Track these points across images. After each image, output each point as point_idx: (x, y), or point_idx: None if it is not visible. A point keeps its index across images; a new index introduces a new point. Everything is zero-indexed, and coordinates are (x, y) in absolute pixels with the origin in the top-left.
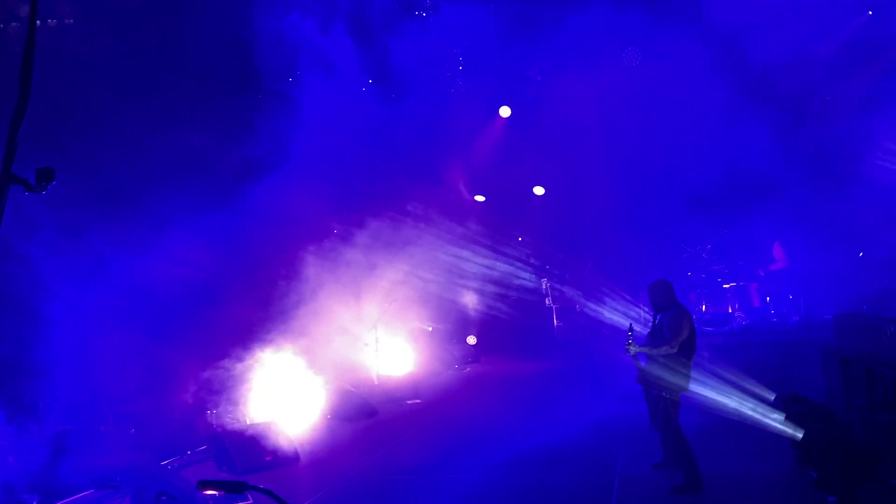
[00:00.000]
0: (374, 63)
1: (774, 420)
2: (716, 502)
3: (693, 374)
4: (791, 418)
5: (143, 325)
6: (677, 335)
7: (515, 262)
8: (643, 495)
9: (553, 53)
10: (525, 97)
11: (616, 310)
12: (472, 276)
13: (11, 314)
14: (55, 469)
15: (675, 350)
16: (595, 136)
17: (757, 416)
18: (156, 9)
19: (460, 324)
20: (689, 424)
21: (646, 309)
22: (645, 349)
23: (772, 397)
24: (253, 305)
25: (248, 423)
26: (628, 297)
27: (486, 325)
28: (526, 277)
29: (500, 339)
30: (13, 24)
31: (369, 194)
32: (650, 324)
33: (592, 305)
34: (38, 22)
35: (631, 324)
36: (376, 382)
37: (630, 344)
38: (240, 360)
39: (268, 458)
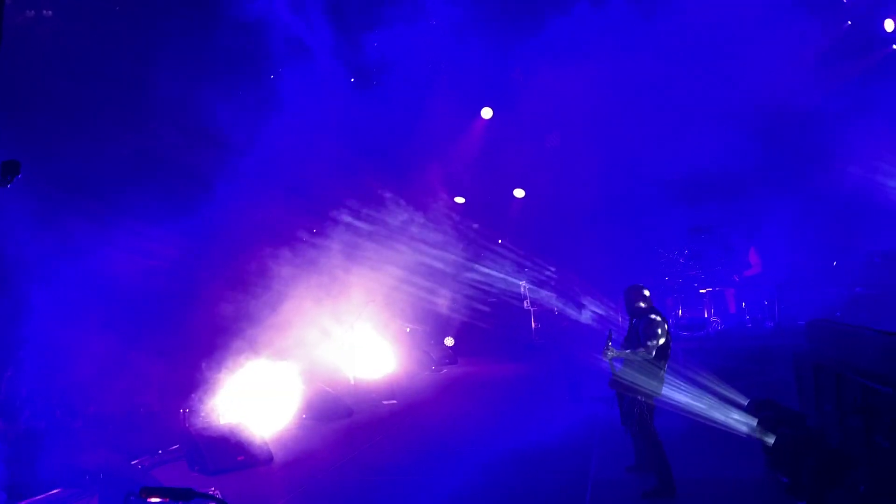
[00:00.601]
0: (353, 60)
1: (747, 425)
2: None
3: (668, 378)
4: (763, 423)
5: (116, 324)
6: (653, 340)
7: (494, 265)
8: (616, 498)
9: (535, 57)
10: (507, 99)
11: (594, 313)
12: (450, 277)
13: None
14: (23, 467)
15: (651, 355)
16: (575, 140)
17: (730, 420)
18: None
19: (438, 325)
20: (663, 428)
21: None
22: (622, 353)
23: (745, 402)
24: (227, 304)
25: (220, 422)
26: (606, 301)
27: (464, 327)
28: (504, 280)
29: (477, 341)
30: None
31: (346, 193)
32: (626, 328)
33: (570, 309)
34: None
35: (611, 330)
36: (352, 383)
37: (608, 349)
38: (213, 359)
39: (240, 458)
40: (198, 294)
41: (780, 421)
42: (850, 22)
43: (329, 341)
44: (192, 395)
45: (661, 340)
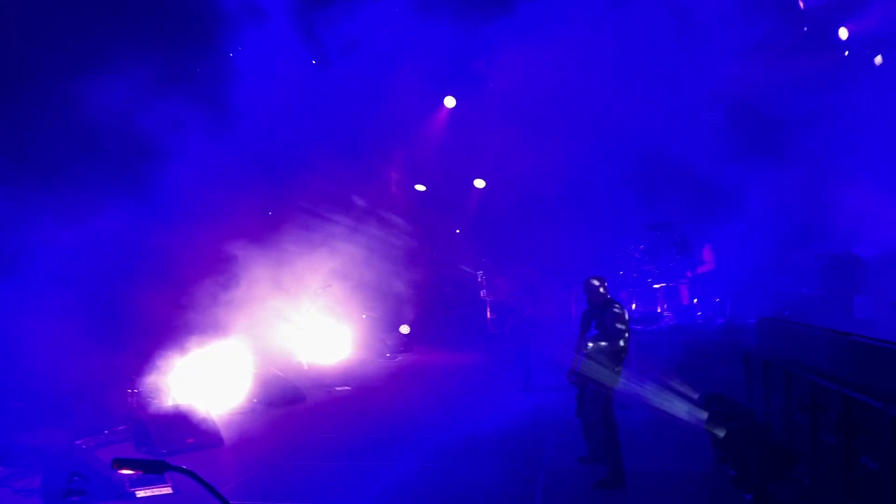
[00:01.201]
0: (313, 40)
1: (697, 419)
2: (637, 497)
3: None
4: (713, 417)
5: (60, 303)
6: (623, 331)
7: (452, 254)
8: (568, 488)
9: (498, 47)
10: (471, 89)
11: (550, 304)
12: (407, 265)
13: None
14: None
15: (621, 345)
16: (536, 132)
17: (681, 414)
18: None
19: (394, 313)
20: (616, 420)
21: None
22: (598, 346)
23: (695, 396)
24: (178, 285)
25: (170, 403)
26: (562, 293)
27: (420, 315)
28: (462, 269)
29: (433, 329)
30: None
31: (303, 179)
32: (579, 319)
33: (527, 299)
34: None
35: (580, 317)
36: (306, 368)
37: (583, 340)
38: (163, 339)
39: (190, 441)
40: (147, 274)
41: (729, 415)
42: (805, 28)
43: (283, 325)
44: (141, 376)
45: (627, 329)
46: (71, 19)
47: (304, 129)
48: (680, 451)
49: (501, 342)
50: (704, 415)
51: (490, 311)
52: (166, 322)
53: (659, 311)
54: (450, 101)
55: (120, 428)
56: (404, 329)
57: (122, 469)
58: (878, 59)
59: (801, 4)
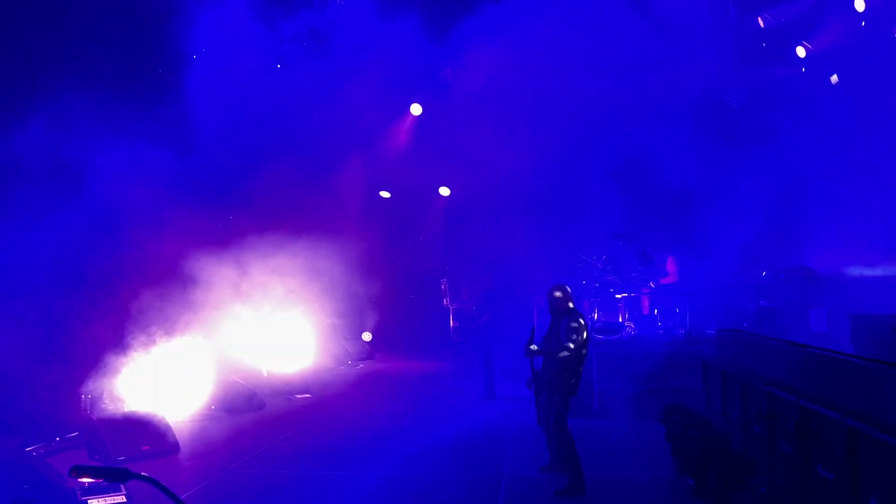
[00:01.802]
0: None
1: (657, 427)
2: None
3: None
4: (673, 427)
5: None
6: (577, 339)
7: (415, 261)
8: (529, 496)
9: (464, 55)
10: (436, 97)
11: (513, 313)
12: (370, 272)
13: None
14: None
15: (571, 354)
16: (500, 141)
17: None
18: None
19: (356, 319)
20: (576, 428)
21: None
22: (543, 351)
23: (655, 406)
24: (134, 287)
25: (125, 409)
26: (525, 301)
27: (383, 323)
28: (425, 277)
29: (395, 337)
30: None
31: (264, 184)
32: (546, 327)
33: (489, 308)
34: None
35: (533, 327)
36: (265, 375)
37: (530, 345)
38: (118, 343)
39: (145, 448)
40: (102, 275)
41: (688, 425)
42: (764, 44)
43: (243, 331)
44: (95, 380)
45: (581, 341)
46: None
47: (266, 133)
48: (640, 459)
49: (464, 350)
50: (664, 424)
51: (453, 319)
52: (121, 324)
53: (621, 321)
54: (416, 109)
55: (72, 434)
56: (366, 336)
57: (81, 477)
58: (834, 78)
59: (761, 23)
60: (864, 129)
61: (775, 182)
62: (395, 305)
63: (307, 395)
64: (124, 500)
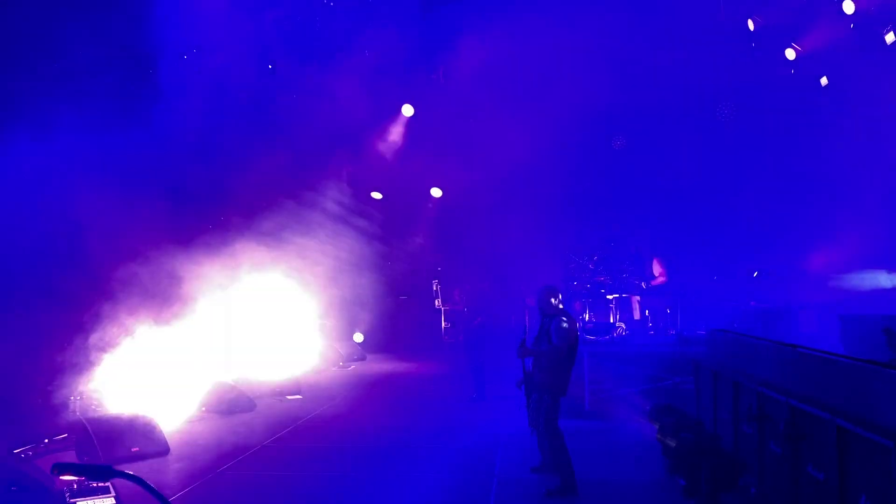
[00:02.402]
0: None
1: (648, 428)
2: None
3: (572, 379)
4: (664, 428)
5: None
6: (565, 340)
7: (407, 263)
8: (521, 497)
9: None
10: (428, 98)
11: (504, 313)
12: (362, 273)
13: None
14: None
15: (561, 354)
16: (493, 143)
17: (632, 423)
18: None
19: (348, 321)
20: (567, 429)
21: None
22: (534, 352)
23: (646, 406)
24: (125, 289)
25: (114, 411)
26: (517, 302)
27: (375, 324)
28: (417, 278)
29: (387, 338)
30: None
31: (256, 184)
32: (536, 328)
33: (481, 309)
34: None
35: (526, 326)
36: (256, 376)
37: (523, 345)
38: (108, 344)
39: (135, 449)
40: (91, 275)
41: (679, 426)
42: (753, 44)
43: (235, 332)
44: (84, 382)
45: (571, 341)
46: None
47: (257, 133)
48: (631, 460)
49: (456, 351)
50: (655, 425)
51: (445, 320)
52: (111, 326)
53: (612, 321)
54: (408, 110)
55: (61, 436)
56: (358, 337)
57: (63, 475)
58: (824, 81)
59: (751, 26)
60: (854, 130)
61: (769, 182)
62: (387, 307)
63: (298, 397)
64: (113, 502)
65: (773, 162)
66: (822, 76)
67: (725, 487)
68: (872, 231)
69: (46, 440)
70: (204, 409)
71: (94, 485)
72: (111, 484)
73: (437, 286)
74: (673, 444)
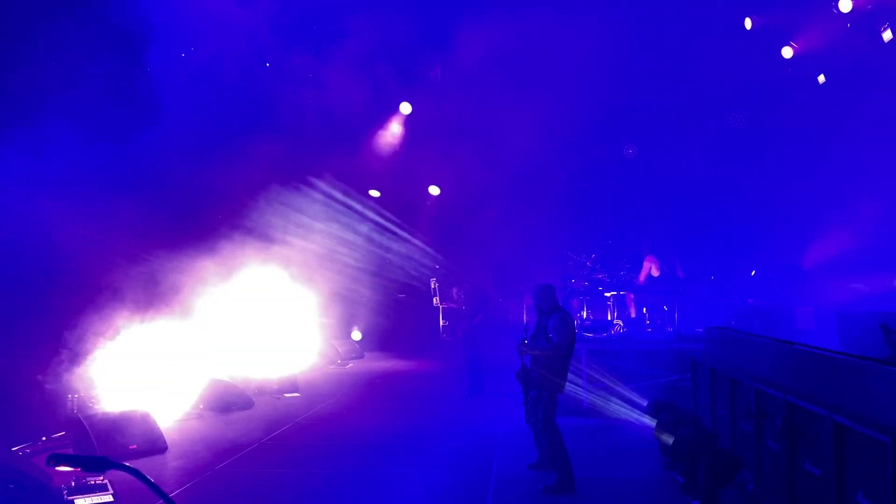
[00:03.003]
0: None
1: (646, 425)
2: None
3: (570, 377)
4: (661, 425)
5: None
6: (564, 338)
7: (405, 260)
8: (518, 494)
9: (456, 55)
10: (426, 96)
11: (502, 311)
12: (360, 271)
13: None
14: None
15: (560, 352)
16: (491, 141)
17: (630, 421)
18: None
19: (346, 318)
20: (565, 427)
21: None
22: (534, 350)
23: (644, 403)
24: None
25: (112, 409)
26: (514, 299)
27: (373, 322)
28: (414, 276)
29: (385, 336)
30: None
31: (253, 182)
32: (533, 325)
33: (480, 307)
34: None
35: (526, 324)
36: (254, 374)
37: (524, 343)
38: (105, 342)
39: (133, 447)
40: (88, 273)
41: (677, 423)
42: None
43: (232, 330)
44: (81, 379)
45: (569, 338)
46: None
47: (254, 129)
48: (629, 457)
49: (454, 349)
50: (653, 422)
51: (443, 318)
52: (107, 323)
53: (610, 319)
54: (406, 108)
55: (59, 434)
56: (356, 335)
57: (58, 466)
58: (821, 78)
59: (748, 24)
60: (851, 128)
61: (767, 180)
62: (385, 304)
63: (296, 395)
64: (111, 499)
65: (771, 160)
66: (818, 74)
67: (723, 484)
68: (869, 229)
69: (44, 438)
70: (202, 406)
71: (92, 482)
72: (108, 480)
73: (435, 284)
74: (670, 440)
